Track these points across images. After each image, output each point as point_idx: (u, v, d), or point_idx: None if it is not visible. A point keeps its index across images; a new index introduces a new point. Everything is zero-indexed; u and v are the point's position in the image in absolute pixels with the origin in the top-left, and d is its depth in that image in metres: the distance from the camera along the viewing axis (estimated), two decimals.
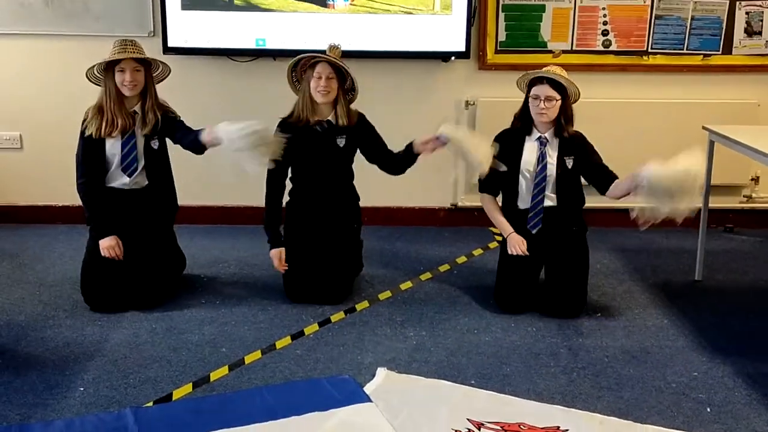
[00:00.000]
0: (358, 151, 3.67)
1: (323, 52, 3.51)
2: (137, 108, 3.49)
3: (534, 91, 3.42)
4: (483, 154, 3.31)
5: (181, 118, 3.61)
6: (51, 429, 2.51)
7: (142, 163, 3.51)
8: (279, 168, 3.58)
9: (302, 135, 3.55)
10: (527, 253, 3.46)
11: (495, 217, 3.60)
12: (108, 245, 3.45)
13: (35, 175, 4.65)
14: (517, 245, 3.48)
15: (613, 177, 3.44)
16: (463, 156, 3.40)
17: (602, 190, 3.48)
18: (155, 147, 3.52)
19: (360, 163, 3.74)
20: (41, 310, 3.46)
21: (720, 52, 4.60)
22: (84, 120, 3.50)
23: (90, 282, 3.47)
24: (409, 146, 3.54)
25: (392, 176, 3.71)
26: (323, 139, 3.56)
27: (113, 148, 3.48)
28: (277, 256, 3.59)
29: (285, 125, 3.57)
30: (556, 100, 3.38)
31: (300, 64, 3.53)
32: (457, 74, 4.62)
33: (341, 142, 3.58)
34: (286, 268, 3.58)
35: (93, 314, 3.40)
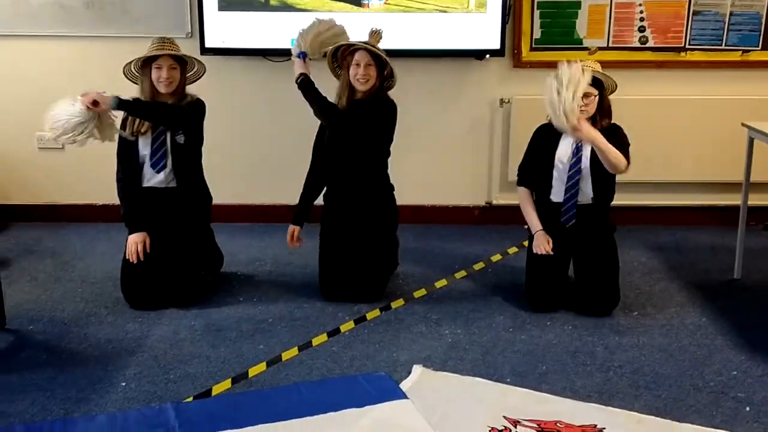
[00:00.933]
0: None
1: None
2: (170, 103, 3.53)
3: None
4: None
5: (199, 113, 3.62)
6: (94, 423, 2.55)
7: (170, 159, 3.54)
8: (319, 154, 3.64)
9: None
10: (551, 252, 3.45)
11: (526, 211, 3.59)
12: (133, 240, 3.49)
13: (76, 175, 4.73)
14: (542, 245, 3.46)
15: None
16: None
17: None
18: (180, 141, 3.54)
19: (395, 163, 3.75)
20: (83, 307, 3.53)
21: (759, 48, 4.53)
22: (123, 117, 3.56)
23: (129, 280, 3.53)
24: None
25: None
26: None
27: (145, 146, 3.53)
28: (290, 231, 3.65)
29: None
30: (594, 96, 3.36)
31: (340, 51, 3.56)
32: (491, 72, 4.61)
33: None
34: (298, 245, 3.59)
35: (133, 311, 3.47)
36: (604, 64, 3.56)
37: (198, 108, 3.58)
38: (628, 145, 3.46)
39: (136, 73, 3.53)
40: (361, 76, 3.49)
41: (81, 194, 4.76)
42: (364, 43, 3.51)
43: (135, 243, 3.49)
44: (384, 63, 3.54)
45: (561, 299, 3.50)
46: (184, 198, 3.61)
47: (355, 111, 3.55)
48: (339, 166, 3.64)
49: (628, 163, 3.37)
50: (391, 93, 3.64)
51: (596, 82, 3.36)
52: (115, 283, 3.71)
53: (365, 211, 3.65)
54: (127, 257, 3.51)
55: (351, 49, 3.53)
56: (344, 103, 3.56)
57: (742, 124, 3.79)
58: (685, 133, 4.56)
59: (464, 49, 4.49)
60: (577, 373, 2.95)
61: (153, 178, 3.57)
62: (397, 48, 4.29)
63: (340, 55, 3.59)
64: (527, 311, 3.49)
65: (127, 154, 3.55)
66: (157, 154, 3.53)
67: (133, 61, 3.50)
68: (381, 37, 3.55)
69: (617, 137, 3.43)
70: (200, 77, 3.68)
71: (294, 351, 3.11)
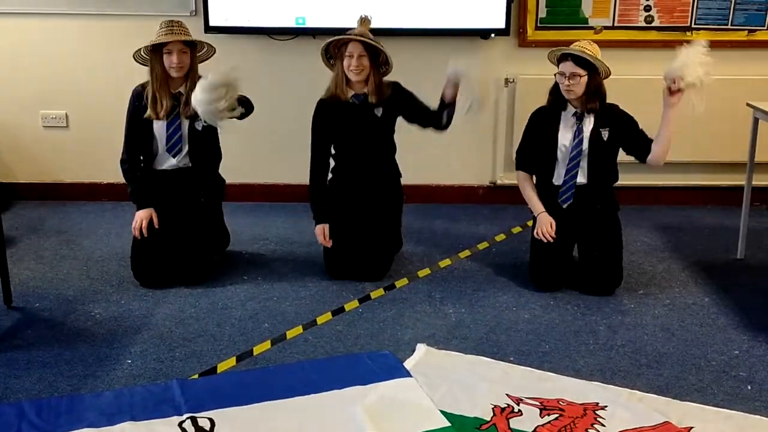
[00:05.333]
0: (402, 119, 3.69)
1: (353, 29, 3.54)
2: (182, 89, 3.53)
3: (560, 68, 3.40)
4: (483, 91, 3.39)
5: None
6: (101, 400, 2.58)
7: (186, 144, 3.56)
8: (322, 145, 3.65)
9: (340, 111, 3.59)
10: (554, 237, 3.45)
11: (528, 194, 3.59)
12: (140, 216, 3.52)
13: (81, 154, 4.74)
14: (544, 228, 3.46)
15: (649, 141, 3.43)
16: (467, 89, 3.41)
17: (642, 158, 3.45)
18: (199, 128, 3.56)
19: (399, 141, 3.75)
20: (89, 285, 3.55)
21: (765, 28, 4.52)
22: (131, 100, 3.56)
23: (140, 259, 3.53)
24: (441, 98, 3.56)
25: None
26: (361, 112, 3.59)
27: (160, 129, 3.54)
28: (321, 232, 3.63)
29: (324, 105, 3.62)
30: (581, 77, 3.35)
31: (333, 43, 3.56)
32: (496, 51, 4.59)
33: (378, 112, 3.60)
34: (331, 244, 3.62)
35: (139, 289, 3.49)
36: (609, 44, 3.56)
37: None
38: (637, 122, 3.47)
39: (146, 56, 3.52)
40: (354, 67, 3.48)
41: (86, 173, 4.77)
42: (356, 34, 3.50)
43: (141, 219, 3.51)
44: (377, 52, 3.53)
45: (565, 278, 3.51)
46: (198, 180, 3.63)
47: (394, 108, 3.60)
48: (353, 156, 3.67)
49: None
50: (394, 72, 3.64)
51: (585, 63, 3.34)
52: (120, 262, 3.74)
53: (372, 193, 3.67)
54: (132, 232, 3.53)
55: (343, 41, 3.52)
56: (345, 97, 3.55)
57: (747, 104, 3.79)
58: (690, 114, 4.53)
59: (469, 28, 4.47)
60: (579, 352, 2.97)
61: (167, 161, 3.58)
62: (399, 27, 4.29)
63: (332, 47, 3.58)
64: (531, 290, 3.50)
65: (139, 136, 3.56)
66: (172, 139, 3.54)
67: (141, 48, 3.49)
68: (370, 23, 3.54)
69: (625, 121, 3.44)
70: (209, 57, 3.67)
71: (298, 329, 3.13)
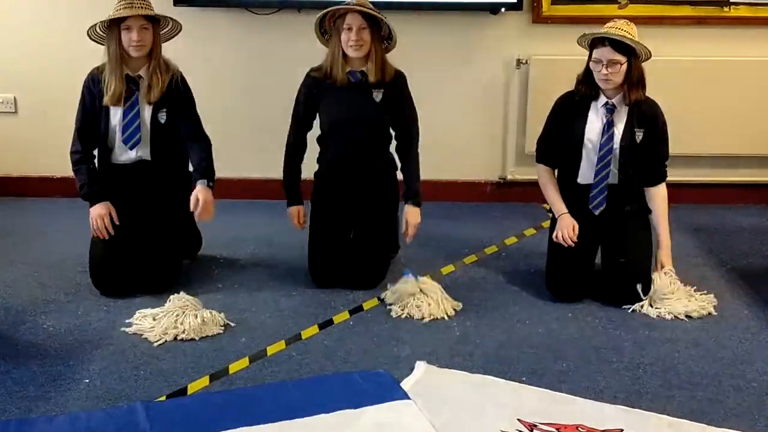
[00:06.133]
0: None
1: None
2: (142, 72, 3.52)
3: (595, 54, 3.38)
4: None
5: (193, 97, 3.65)
6: (54, 424, 2.57)
7: (145, 135, 3.54)
8: (304, 120, 3.67)
9: (333, 89, 3.58)
10: (575, 242, 3.46)
11: (549, 192, 3.60)
12: (97, 213, 3.50)
13: (31, 143, 4.74)
14: (566, 231, 3.47)
15: (657, 180, 3.52)
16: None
17: (642, 184, 3.54)
18: (162, 121, 3.55)
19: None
20: (40, 293, 3.54)
21: None
22: (85, 84, 3.55)
23: (100, 264, 3.52)
24: (405, 194, 3.69)
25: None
26: (358, 92, 3.59)
27: (116, 117, 3.53)
28: (296, 214, 3.66)
29: (314, 79, 3.62)
30: (621, 64, 3.34)
31: (328, 15, 3.55)
32: (507, 28, 4.61)
33: (378, 96, 3.60)
34: (305, 226, 3.62)
35: (98, 298, 3.48)
36: (636, 21, 3.54)
37: (188, 93, 3.63)
38: (668, 143, 3.49)
39: (103, 34, 3.50)
40: (353, 41, 3.47)
41: (37, 165, 4.77)
42: (355, 4, 3.50)
43: (99, 216, 3.50)
44: (379, 25, 3.53)
45: (585, 288, 3.52)
46: (161, 173, 3.62)
47: (391, 99, 3.60)
48: (344, 143, 3.66)
49: (665, 178, 3.55)
50: (391, 53, 3.64)
51: (624, 48, 3.34)
52: (76, 266, 3.73)
53: (364, 188, 3.67)
54: (93, 235, 3.52)
55: (340, 12, 3.51)
56: (341, 75, 3.55)
57: None
58: (727, 100, 4.56)
59: (477, 2, 4.50)
60: (601, 371, 2.97)
61: (125, 154, 3.57)
62: (399, 0, 4.28)
63: (328, 20, 3.58)
64: (546, 301, 3.51)
65: (92, 124, 3.55)
66: (129, 128, 3.53)
67: (97, 23, 3.46)
68: None
69: (658, 132, 3.46)
70: (174, 35, 3.66)
71: (281, 345, 3.13)
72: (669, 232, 3.55)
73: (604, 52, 3.34)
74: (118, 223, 3.51)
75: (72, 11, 4.48)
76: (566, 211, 3.53)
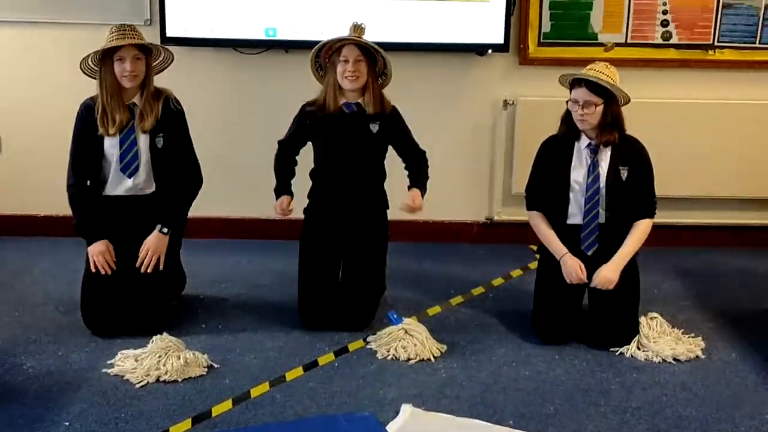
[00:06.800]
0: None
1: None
2: (136, 100, 3.53)
3: (573, 94, 3.43)
4: None
5: (186, 120, 3.66)
6: None
7: (144, 163, 3.54)
8: (288, 145, 3.71)
9: (328, 121, 3.60)
10: (585, 280, 3.47)
11: (545, 235, 3.58)
12: (98, 250, 3.48)
13: (15, 181, 4.71)
14: (575, 271, 3.46)
15: (646, 214, 3.52)
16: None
17: (630, 218, 3.55)
18: (159, 145, 3.55)
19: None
20: (21, 334, 3.51)
21: None
22: (79, 115, 3.54)
23: (93, 303, 3.49)
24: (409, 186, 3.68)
25: None
26: (353, 123, 3.61)
27: (112, 146, 3.52)
28: (282, 203, 3.64)
29: (307, 112, 3.64)
30: (596, 106, 3.38)
31: (324, 49, 3.58)
32: (494, 70, 4.64)
33: (374, 127, 3.61)
34: (288, 215, 3.61)
35: (80, 339, 3.44)
36: (622, 63, 3.60)
37: (181, 116, 3.64)
38: (653, 179, 3.52)
39: (95, 68, 3.51)
40: (350, 73, 3.50)
41: (21, 203, 4.74)
42: (352, 36, 3.53)
43: (100, 254, 3.48)
44: (374, 59, 3.56)
45: (572, 330, 3.51)
46: (161, 208, 3.59)
47: (389, 131, 3.64)
48: (338, 176, 3.66)
49: (653, 213, 3.54)
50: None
51: (601, 90, 3.37)
52: (58, 306, 3.70)
53: (355, 227, 3.67)
54: (92, 271, 3.48)
55: (337, 45, 3.54)
56: (333, 106, 3.57)
57: None
58: (713, 142, 4.60)
59: (464, 43, 4.52)
60: (589, 414, 2.95)
61: (121, 184, 3.56)
62: (386, 41, 4.29)
63: (324, 54, 3.60)
64: (533, 343, 3.50)
65: (88, 156, 3.53)
66: (127, 156, 3.52)
67: (90, 54, 3.48)
68: (364, 32, 3.57)
69: (642, 168, 3.49)
70: (167, 66, 3.68)
71: (265, 386, 3.10)
72: (626, 260, 3.48)
73: (580, 93, 3.39)
74: (113, 257, 3.50)
75: (58, 49, 4.49)
76: (566, 251, 3.52)
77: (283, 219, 3.64)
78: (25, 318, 3.67)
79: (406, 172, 3.74)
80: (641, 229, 3.52)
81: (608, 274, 3.44)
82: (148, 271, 3.50)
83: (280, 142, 3.75)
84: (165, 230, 3.55)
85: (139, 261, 3.49)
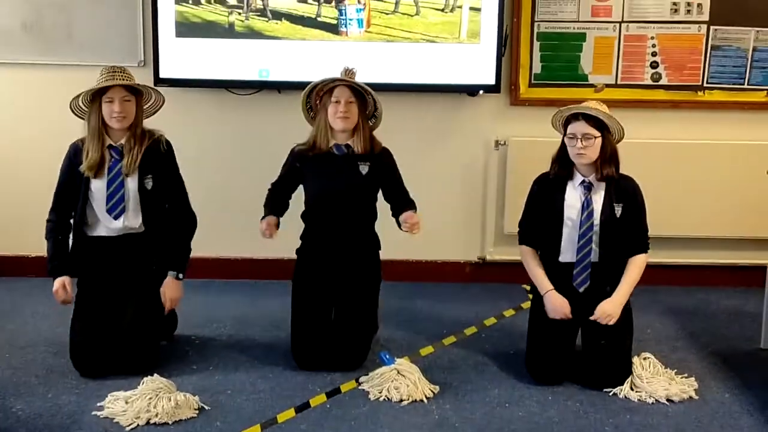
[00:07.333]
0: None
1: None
2: (124, 141, 3.54)
3: (570, 129, 3.45)
4: None
5: (177, 162, 3.67)
6: None
7: (132, 205, 3.54)
8: (280, 187, 3.73)
9: (319, 162, 3.62)
10: (570, 316, 3.47)
11: (533, 271, 3.60)
12: (55, 289, 3.49)
13: (4, 221, 4.70)
14: (559, 307, 3.48)
15: (640, 249, 3.54)
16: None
17: (624, 255, 3.56)
18: (149, 187, 3.56)
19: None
20: (10, 376, 3.48)
21: None
22: (68, 155, 3.56)
23: (81, 344, 3.47)
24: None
25: None
26: (343, 164, 3.63)
27: (99, 188, 3.53)
28: (266, 220, 3.62)
29: (298, 153, 3.66)
30: (595, 138, 3.41)
31: (315, 90, 3.60)
32: (485, 110, 4.68)
33: (364, 169, 3.63)
34: (273, 236, 3.60)
35: (70, 381, 3.42)
36: (612, 104, 3.63)
37: (171, 157, 3.65)
38: (646, 214, 3.54)
39: (85, 108, 3.53)
40: (341, 113, 3.54)
41: (10, 244, 4.73)
42: (344, 77, 3.57)
43: (55, 291, 3.49)
44: (365, 101, 3.59)
45: (566, 370, 3.50)
46: (147, 247, 3.60)
47: (379, 172, 3.65)
48: (329, 217, 3.67)
49: (647, 248, 3.56)
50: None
51: (599, 124, 3.41)
52: (48, 348, 3.68)
53: (347, 267, 3.67)
54: (80, 312, 3.49)
55: (328, 86, 3.58)
56: (326, 147, 3.60)
57: None
58: (703, 183, 4.62)
59: (455, 84, 4.56)
60: None
61: (109, 225, 3.56)
62: (379, 82, 4.33)
63: (315, 96, 3.64)
64: (526, 383, 3.48)
65: (72, 194, 3.54)
66: (114, 198, 3.52)
67: (81, 94, 3.49)
68: (355, 76, 3.60)
69: (637, 205, 3.51)
70: (158, 109, 3.69)
71: (256, 429, 3.08)
72: (628, 295, 3.50)
73: (578, 127, 3.41)
74: (70, 296, 3.49)
75: (47, 88, 4.52)
76: (552, 287, 3.53)
77: (270, 238, 3.61)
78: (14, 360, 3.64)
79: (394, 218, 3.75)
80: (638, 264, 3.53)
81: (610, 308, 3.44)
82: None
83: (272, 185, 3.76)
84: (180, 276, 3.61)
85: (166, 310, 3.58)
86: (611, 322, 3.43)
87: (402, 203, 3.70)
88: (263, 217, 3.66)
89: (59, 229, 3.57)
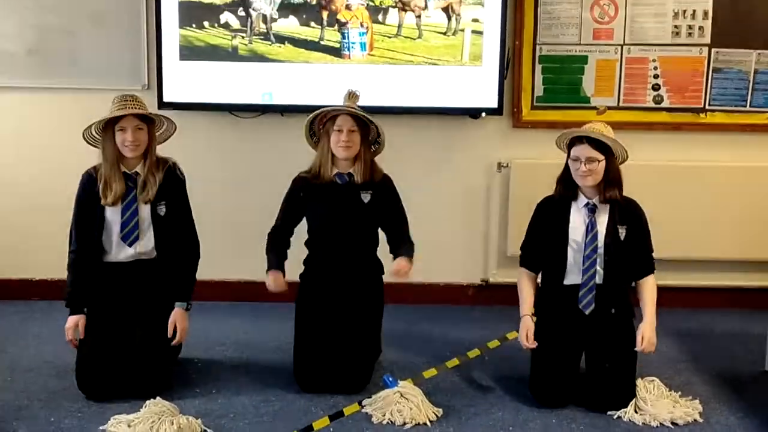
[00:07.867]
0: None
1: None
2: (139, 169, 3.56)
3: (574, 152, 3.47)
4: None
5: (186, 189, 3.69)
6: None
7: (145, 232, 3.56)
8: (286, 218, 3.73)
9: (321, 191, 3.64)
10: (534, 345, 3.49)
11: (522, 292, 3.64)
12: (68, 326, 3.50)
13: (9, 246, 4.71)
14: (524, 332, 3.52)
15: (646, 271, 3.56)
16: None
17: (630, 278, 3.59)
18: (162, 213, 3.58)
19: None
20: (13, 399, 3.47)
21: None
22: (82, 183, 3.57)
23: (88, 368, 3.46)
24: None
25: (414, 248, 3.75)
26: (345, 194, 3.64)
27: (114, 216, 3.54)
28: (273, 277, 3.62)
29: (303, 181, 3.68)
30: (599, 161, 3.42)
31: (318, 117, 3.62)
32: (488, 133, 4.69)
33: (366, 197, 3.65)
34: (284, 290, 3.61)
35: (73, 405, 3.41)
36: (614, 126, 3.63)
37: (183, 184, 3.68)
38: (650, 235, 3.56)
39: (97, 137, 3.55)
40: (343, 142, 3.56)
41: (15, 267, 4.73)
42: (346, 106, 3.59)
43: (69, 329, 3.49)
44: (367, 128, 3.61)
45: (570, 393, 3.49)
46: (159, 273, 3.61)
47: (380, 200, 3.67)
48: (331, 245, 3.69)
49: (653, 269, 3.58)
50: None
51: (603, 147, 3.42)
52: (51, 371, 3.68)
53: (350, 291, 3.69)
54: (89, 336, 3.49)
55: (331, 115, 3.60)
56: (328, 176, 3.62)
57: None
58: (706, 205, 4.62)
59: (458, 107, 4.58)
60: None
61: (123, 252, 3.57)
62: (381, 105, 4.38)
63: (318, 122, 3.66)
64: (530, 406, 3.47)
65: (90, 224, 3.55)
66: (128, 225, 3.54)
67: (93, 124, 3.51)
68: (358, 99, 3.63)
69: (641, 227, 3.53)
70: (170, 136, 3.72)
71: None
72: (654, 313, 3.51)
73: (582, 150, 3.42)
74: (82, 336, 3.49)
75: (51, 112, 4.54)
76: (529, 313, 3.56)
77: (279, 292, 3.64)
78: (17, 383, 3.63)
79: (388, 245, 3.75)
80: (650, 286, 3.56)
81: (650, 335, 3.45)
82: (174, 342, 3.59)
83: (272, 228, 3.76)
84: (187, 306, 3.63)
85: (170, 333, 3.56)
86: (653, 349, 3.46)
87: (398, 243, 3.71)
88: (268, 269, 3.66)
89: (82, 262, 3.57)
